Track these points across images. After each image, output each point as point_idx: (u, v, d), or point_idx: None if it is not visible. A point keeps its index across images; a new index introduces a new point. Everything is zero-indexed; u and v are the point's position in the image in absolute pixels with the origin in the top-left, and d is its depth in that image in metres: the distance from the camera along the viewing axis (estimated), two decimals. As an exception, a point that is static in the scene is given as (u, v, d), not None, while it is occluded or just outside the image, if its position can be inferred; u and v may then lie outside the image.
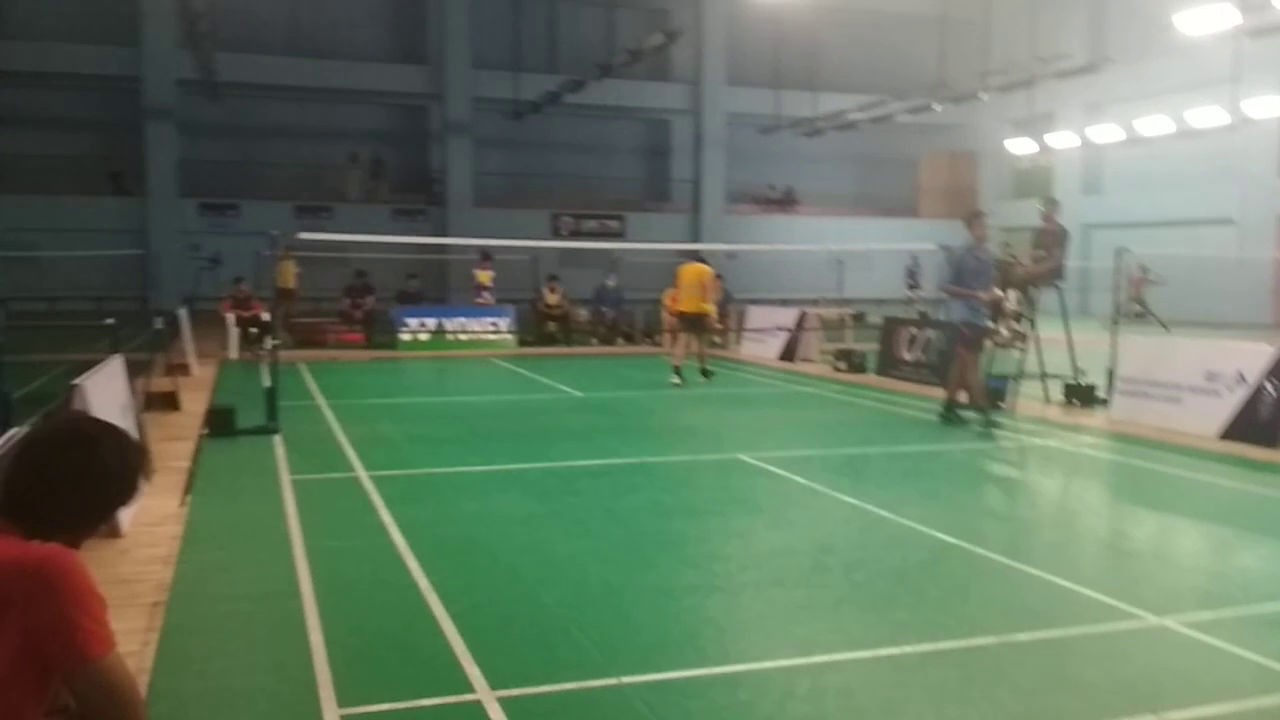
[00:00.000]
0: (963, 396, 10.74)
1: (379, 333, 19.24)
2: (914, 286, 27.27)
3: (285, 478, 7.77)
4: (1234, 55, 25.98)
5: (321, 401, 12.01)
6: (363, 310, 19.90)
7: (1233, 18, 22.14)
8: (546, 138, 35.43)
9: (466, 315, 19.54)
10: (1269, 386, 9.52)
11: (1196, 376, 10.18)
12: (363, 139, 34.27)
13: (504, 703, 3.82)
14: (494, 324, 19.38)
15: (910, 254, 20.45)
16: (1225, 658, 4.41)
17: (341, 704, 3.83)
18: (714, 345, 20.38)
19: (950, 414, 10.65)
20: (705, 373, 14.75)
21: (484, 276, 20.99)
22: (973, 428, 10.29)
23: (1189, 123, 29.38)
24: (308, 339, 18.68)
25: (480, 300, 20.62)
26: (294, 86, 32.04)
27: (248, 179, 32.04)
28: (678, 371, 14.25)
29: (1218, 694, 4.02)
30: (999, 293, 12.11)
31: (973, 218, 10.83)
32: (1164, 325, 12.45)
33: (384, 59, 33.57)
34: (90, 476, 2.22)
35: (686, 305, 14.84)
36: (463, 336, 19.03)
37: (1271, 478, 8.27)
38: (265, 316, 18.17)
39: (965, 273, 10.47)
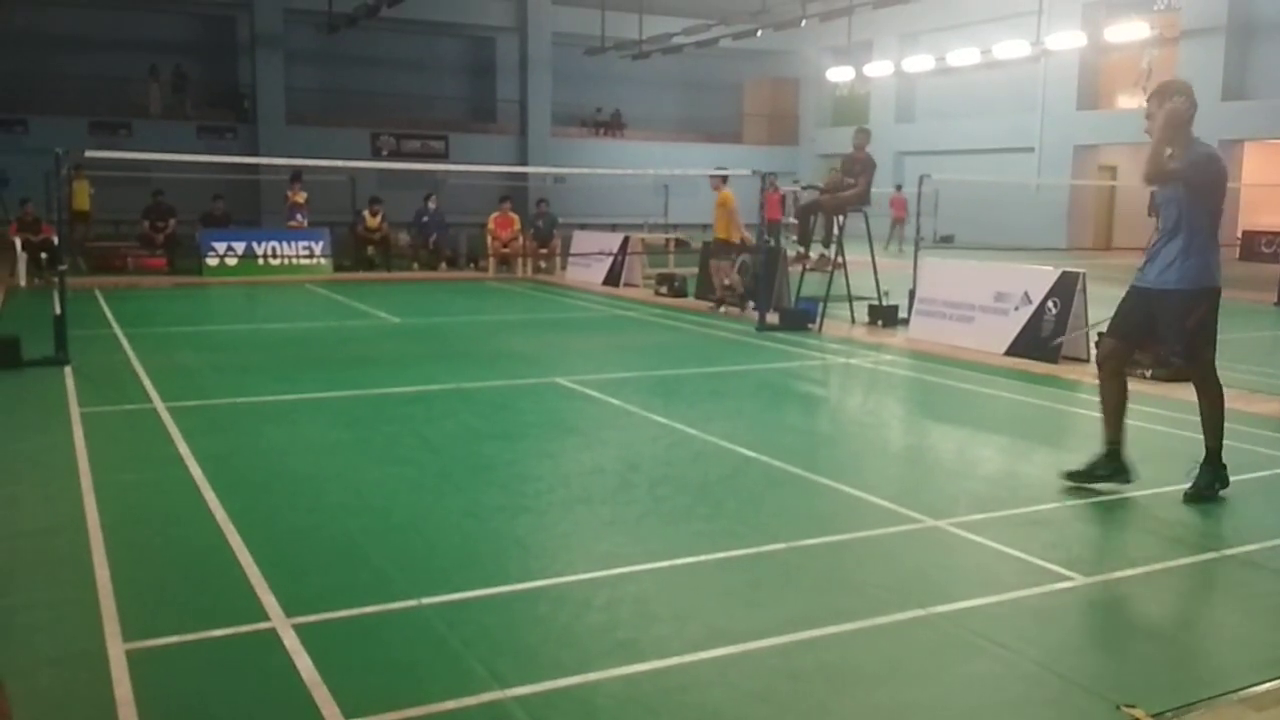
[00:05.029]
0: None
1: (183, 258, 18.31)
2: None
3: (75, 411, 7.38)
4: (1037, -11, 27.24)
5: (118, 330, 11.40)
6: (164, 234, 18.87)
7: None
8: (365, 53, 34.07)
9: (279, 239, 18.79)
10: (1050, 305, 10.22)
11: (987, 297, 10.82)
12: (164, 51, 32.12)
13: (299, 629, 3.79)
14: (308, 248, 18.73)
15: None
16: (990, 555, 4.78)
17: (127, 638, 3.72)
18: (540, 270, 20.36)
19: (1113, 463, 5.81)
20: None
21: (297, 198, 20.19)
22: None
23: (995, 54, 30.69)
24: (104, 264, 17.65)
25: (293, 223, 19.86)
26: (84, -9, 29.71)
27: (37, 93, 29.64)
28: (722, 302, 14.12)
29: (981, 588, 4.35)
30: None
31: (1164, 94, 5.63)
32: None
33: (183, -37, 31.48)
34: None
35: (726, 232, 13.98)
36: (274, 261, 18.32)
37: (1049, 390, 8.92)
38: (55, 240, 17.12)
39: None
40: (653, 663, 3.59)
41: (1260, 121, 26.47)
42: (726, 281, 14.12)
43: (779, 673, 3.56)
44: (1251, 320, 14.63)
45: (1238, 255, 26.65)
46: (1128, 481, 5.74)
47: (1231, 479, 6.08)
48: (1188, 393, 8.56)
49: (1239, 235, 27.32)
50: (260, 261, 18.23)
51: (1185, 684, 3.49)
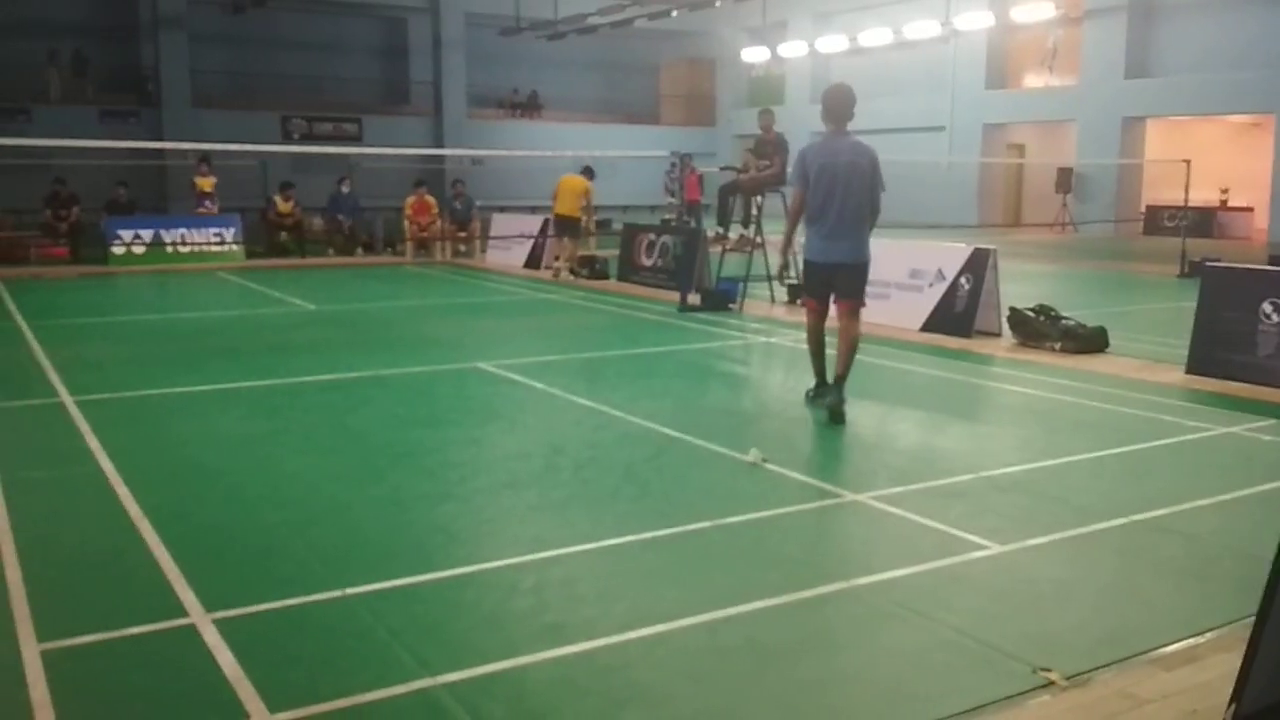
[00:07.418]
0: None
1: (88, 247, 17.75)
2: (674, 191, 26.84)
3: (-24, 407, 7.13)
4: (945, -30, 27.68)
5: (21, 322, 11.02)
6: (67, 222, 18.25)
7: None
8: (273, 35, 33.23)
9: (187, 226, 18.28)
10: (963, 282, 10.44)
11: (902, 274, 11.01)
12: (62, 34, 30.93)
13: (220, 624, 3.72)
14: (219, 235, 18.27)
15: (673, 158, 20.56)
16: (909, 526, 4.88)
17: (42, 639, 3.62)
18: (459, 254, 20.16)
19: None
20: (574, 272, 15.89)
21: (205, 183, 19.65)
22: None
23: (906, 34, 31.13)
24: (5, 255, 17.04)
25: (202, 210, 19.34)
26: (-28, -30, 28.43)
27: (-74, 78, 28.37)
28: (561, 271, 16.07)
29: (901, 559, 4.44)
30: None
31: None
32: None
33: (80, -59, 30.28)
34: None
35: (561, 208, 16.22)
36: (184, 249, 17.84)
37: (963, 364, 9.13)
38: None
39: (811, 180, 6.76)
40: (581, 644, 3.60)
41: (1161, 98, 27.28)
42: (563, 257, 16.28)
43: (706, 650, 3.59)
44: (1155, 292, 15.13)
45: (1141, 230, 27.49)
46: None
47: (1137, 447, 6.31)
48: (1094, 364, 8.85)
49: (1143, 210, 28.17)
50: (169, 249, 17.72)
51: (1098, 647, 3.61)
